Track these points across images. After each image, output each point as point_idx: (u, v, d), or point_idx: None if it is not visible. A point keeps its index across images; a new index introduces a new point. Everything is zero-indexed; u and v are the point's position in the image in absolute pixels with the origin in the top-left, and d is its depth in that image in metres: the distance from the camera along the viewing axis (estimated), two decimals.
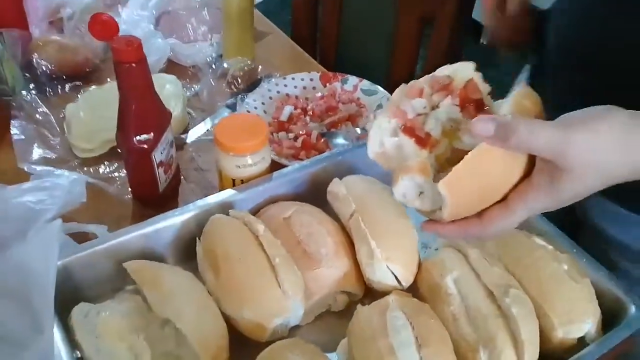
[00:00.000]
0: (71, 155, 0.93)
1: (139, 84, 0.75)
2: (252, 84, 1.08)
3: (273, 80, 1.07)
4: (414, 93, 0.54)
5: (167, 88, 1.00)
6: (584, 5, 0.74)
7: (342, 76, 1.09)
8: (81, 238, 0.73)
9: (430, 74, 0.55)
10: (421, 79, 0.55)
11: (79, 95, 1.01)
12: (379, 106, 1.03)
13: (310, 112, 1.00)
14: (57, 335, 0.60)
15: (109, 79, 1.08)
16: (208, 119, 1.01)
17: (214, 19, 1.18)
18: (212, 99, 1.06)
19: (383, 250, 0.68)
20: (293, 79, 1.08)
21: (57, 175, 0.80)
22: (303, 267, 0.67)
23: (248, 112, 1.00)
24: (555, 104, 0.52)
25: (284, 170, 0.80)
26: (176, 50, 1.13)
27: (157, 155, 0.79)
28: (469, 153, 0.48)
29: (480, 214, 0.52)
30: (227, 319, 0.65)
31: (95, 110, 0.95)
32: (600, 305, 0.63)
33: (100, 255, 0.69)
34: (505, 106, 0.51)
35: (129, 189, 0.87)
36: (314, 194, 0.79)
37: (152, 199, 0.85)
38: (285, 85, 1.07)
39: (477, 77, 0.54)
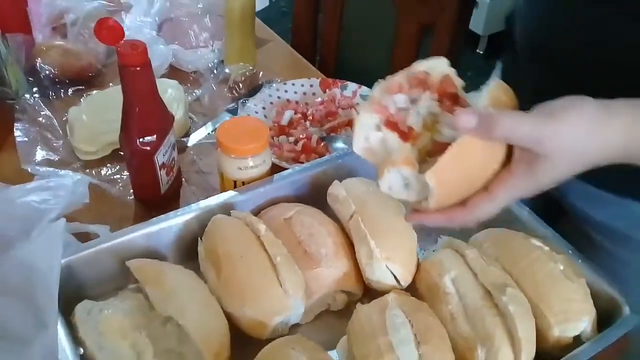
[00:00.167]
0: (74, 157, 0.94)
1: (143, 87, 0.76)
2: (253, 89, 1.09)
3: (274, 85, 1.09)
4: (394, 89, 0.57)
5: (169, 93, 1.01)
6: (546, 4, 0.77)
7: (342, 82, 1.10)
8: (84, 238, 0.74)
9: (406, 70, 0.58)
10: (398, 75, 0.58)
11: (81, 99, 1.02)
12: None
13: (310, 117, 1.02)
14: (61, 331, 0.60)
15: (111, 84, 1.10)
16: (209, 123, 1.02)
17: (215, 25, 1.20)
18: (213, 104, 1.07)
19: (382, 250, 0.69)
20: (293, 84, 1.10)
21: (61, 176, 0.81)
22: (303, 266, 0.68)
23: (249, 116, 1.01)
24: (527, 99, 0.56)
25: (285, 172, 0.81)
26: (178, 56, 1.15)
27: (160, 158, 0.81)
28: (453, 144, 0.51)
29: (463, 202, 0.55)
30: (229, 317, 0.65)
31: (97, 114, 0.96)
32: (595, 305, 0.64)
33: (103, 254, 0.69)
34: (482, 100, 0.54)
35: (131, 191, 0.88)
36: (315, 196, 0.80)
37: (154, 200, 0.86)
38: (286, 91, 1.09)
39: (452, 72, 0.57)
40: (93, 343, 0.62)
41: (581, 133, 0.51)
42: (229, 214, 0.74)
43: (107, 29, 0.72)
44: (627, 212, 0.78)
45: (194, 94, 1.10)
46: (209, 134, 1.00)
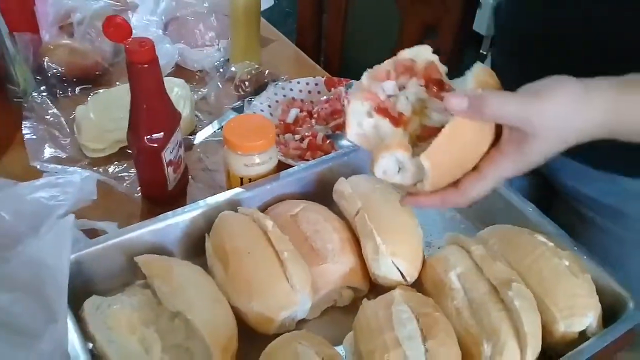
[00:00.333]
0: (81, 154, 0.95)
1: (151, 84, 0.76)
2: (259, 88, 1.10)
3: (279, 84, 1.10)
4: (381, 76, 0.59)
5: (176, 91, 1.01)
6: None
7: (347, 81, 1.11)
8: (91, 235, 0.75)
9: (392, 58, 0.60)
10: (384, 63, 0.60)
11: (88, 98, 1.03)
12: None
13: (316, 115, 1.02)
14: (71, 325, 0.61)
15: (117, 82, 1.10)
16: (215, 121, 1.03)
17: (221, 24, 1.21)
18: (219, 102, 1.08)
19: (388, 246, 0.69)
20: (299, 83, 1.10)
21: (70, 173, 0.82)
22: (310, 262, 0.69)
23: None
24: (508, 88, 0.58)
25: (291, 169, 0.82)
26: (184, 55, 1.16)
27: (167, 155, 0.81)
28: (446, 126, 0.53)
29: (455, 184, 0.57)
30: (236, 312, 0.66)
31: (104, 112, 0.97)
32: (600, 300, 0.65)
33: (112, 250, 0.70)
34: (467, 84, 0.56)
35: (138, 188, 0.88)
36: (320, 193, 0.81)
37: (161, 197, 0.86)
38: (291, 89, 1.09)
39: (435, 58, 0.59)
40: (103, 337, 0.62)
41: (566, 111, 0.53)
42: (236, 211, 0.74)
43: (115, 26, 0.73)
44: (618, 189, 0.80)
45: (200, 92, 1.10)
46: (215, 132, 1.01)
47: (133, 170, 0.91)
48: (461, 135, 0.54)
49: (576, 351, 0.61)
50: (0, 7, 0.99)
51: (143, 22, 1.17)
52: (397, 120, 0.58)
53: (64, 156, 0.94)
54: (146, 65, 0.73)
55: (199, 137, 1.00)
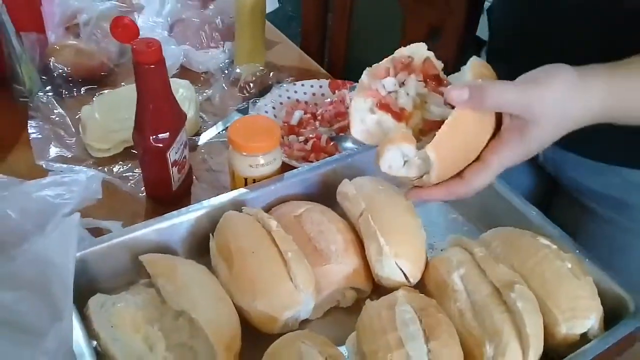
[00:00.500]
0: (86, 154, 0.96)
1: (157, 84, 0.77)
2: (263, 89, 1.10)
3: (284, 86, 1.10)
4: (381, 74, 0.61)
5: (181, 92, 1.02)
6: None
7: (351, 84, 1.11)
8: (96, 234, 0.75)
9: (391, 56, 0.62)
10: (383, 61, 0.62)
11: (94, 98, 1.04)
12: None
13: (320, 117, 1.03)
14: (76, 323, 0.61)
15: (123, 83, 1.11)
16: (220, 122, 1.03)
17: (226, 26, 1.21)
18: (224, 104, 1.09)
19: (392, 247, 0.69)
20: (303, 85, 1.11)
21: (75, 172, 0.83)
22: (313, 263, 0.69)
23: None
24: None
25: (295, 170, 0.82)
26: (189, 57, 1.16)
27: (172, 155, 0.82)
28: (449, 117, 0.54)
29: (460, 174, 0.58)
30: (239, 312, 0.66)
31: (110, 112, 0.98)
32: (602, 303, 0.65)
33: (116, 249, 0.70)
34: (465, 76, 0.57)
35: (143, 188, 0.89)
36: (324, 194, 0.81)
37: (166, 197, 0.87)
38: (296, 92, 1.10)
39: (431, 55, 0.61)
40: (107, 335, 0.62)
41: (564, 98, 0.54)
42: (240, 211, 0.75)
43: (123, 27, 0.74)
44: (620, 180, 0.81)
45: (204, 93, 1.11)
46: (219, 133, 1.02)
47: (138, 170, 0.92)
48: (463, 126, 0.55)
49: (578, 353, 0.61)
50: (7, 7, 0.99)
51: (149, 24, 1.18)
52: (399, 115, 0.59)
53: (69, 155, 0.94)
54: (153, 66, 0.74)
55: (204, 138, 1.00)
